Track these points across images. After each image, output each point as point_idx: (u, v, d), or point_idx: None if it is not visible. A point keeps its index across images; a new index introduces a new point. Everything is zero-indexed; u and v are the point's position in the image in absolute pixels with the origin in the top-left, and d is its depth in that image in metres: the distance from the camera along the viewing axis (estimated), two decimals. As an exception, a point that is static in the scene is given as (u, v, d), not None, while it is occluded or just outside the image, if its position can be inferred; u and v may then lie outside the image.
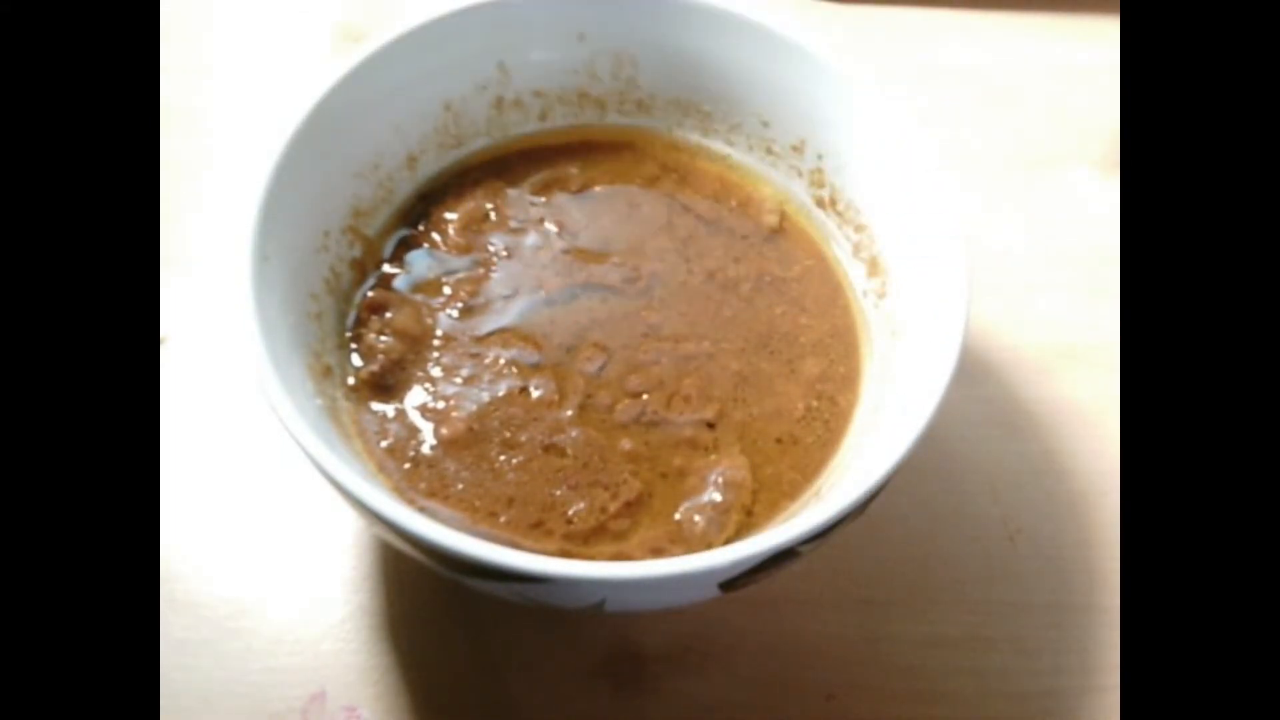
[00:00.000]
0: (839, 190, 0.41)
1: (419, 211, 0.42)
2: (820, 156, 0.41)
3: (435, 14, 0.39)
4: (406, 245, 0.41)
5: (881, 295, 0.39)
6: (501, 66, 0.42)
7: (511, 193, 0.43)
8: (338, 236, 0.39)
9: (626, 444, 0.36)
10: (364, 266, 0.40)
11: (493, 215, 0.42)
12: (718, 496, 0.35)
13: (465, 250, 0.41)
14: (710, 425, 0.37)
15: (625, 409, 0.37)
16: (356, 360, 0.37)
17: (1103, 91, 0.54)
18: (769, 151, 0.43)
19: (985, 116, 0.54)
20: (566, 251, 0.41)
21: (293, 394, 0.31)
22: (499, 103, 0.43)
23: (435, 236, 0.41)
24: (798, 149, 0.42)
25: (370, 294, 0.39)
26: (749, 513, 0.35)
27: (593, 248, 0.41)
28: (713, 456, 0.36)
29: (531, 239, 0.41)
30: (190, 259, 0.45)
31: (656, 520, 0.35)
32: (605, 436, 0.36)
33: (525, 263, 0.41)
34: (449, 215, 0.41)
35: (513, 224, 0.42)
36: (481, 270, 0.40)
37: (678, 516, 0.35)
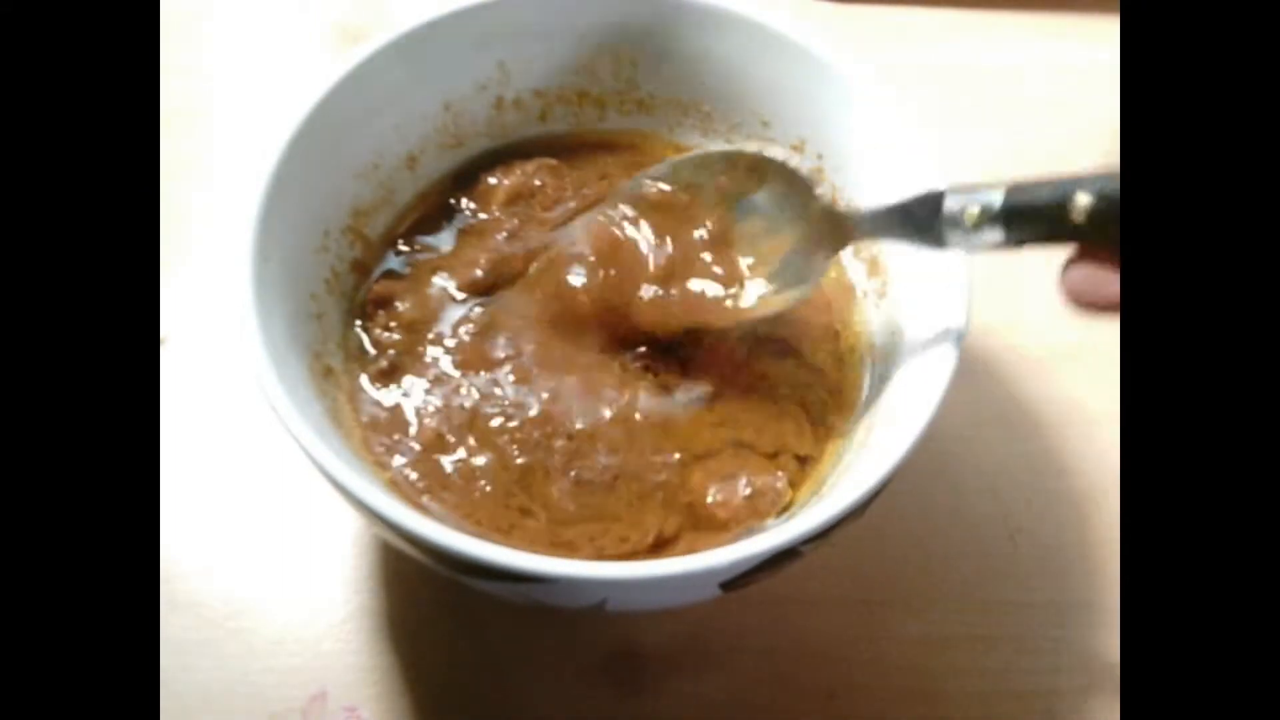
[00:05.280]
0: (839, 190, 0.41)
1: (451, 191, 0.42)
2: (820, 156, 0.41)
3: (435, 14, 0.39)
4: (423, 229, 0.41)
5: (881, 295, 0.39)
6: (501, 66, 0.42)
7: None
8: (338, 237, 0.39)
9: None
10: (364, 266, 0.40)
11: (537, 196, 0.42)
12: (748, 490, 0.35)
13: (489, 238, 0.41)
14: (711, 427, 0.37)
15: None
16: (367, 346, 0.37)
17: (1103, 91, 0.54)
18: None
19: (985, 116, 0.54)
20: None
21: (293, 394, 0.31)
22: (499, 103, 0.43)
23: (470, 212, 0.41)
24: (798, 149, 0.42)
25: (377, 286, 0.39)
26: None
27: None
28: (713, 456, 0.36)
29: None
30: (190, 259, 0.45)
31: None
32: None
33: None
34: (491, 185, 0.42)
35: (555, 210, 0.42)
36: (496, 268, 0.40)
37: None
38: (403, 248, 0.40)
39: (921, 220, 0.31)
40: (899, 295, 0.38)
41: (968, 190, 0.29)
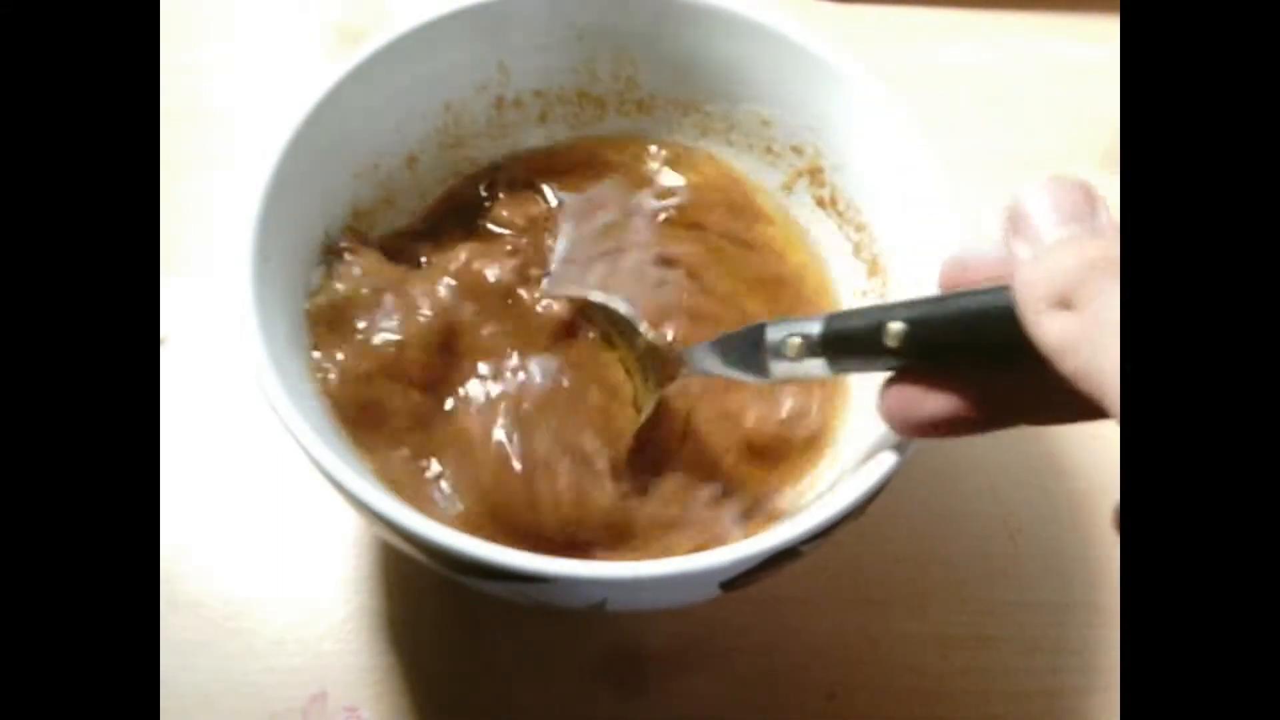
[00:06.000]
0: (839, 190, 0.41)
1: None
2: (820, 156, 0.41)
3: (435, 14, 0.39)
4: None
5: (882, 295, 0.39)
6: (501, 66, 0.42)
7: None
8: (338, 236, 0.39)
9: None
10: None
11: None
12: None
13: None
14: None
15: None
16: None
17: (1103, 90, 0.54)
18: (769, 151, 0.43)
19: (985, 116, 0.54)
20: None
21: (293, 394, 0.31)
22: (499, 103, 0.43)
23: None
24: (798, 149, 0.42)
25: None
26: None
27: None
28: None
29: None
30: (190, 259, 0.45)
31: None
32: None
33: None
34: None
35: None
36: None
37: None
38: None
39: (745, 353, 0.31)
40: (899, 295, 0.38)
41: (787, 323, 0.30)
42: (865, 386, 0.38)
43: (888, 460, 0.30)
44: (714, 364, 0.33)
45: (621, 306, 0.36)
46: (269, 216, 0.34)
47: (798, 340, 0.29)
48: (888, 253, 0.39)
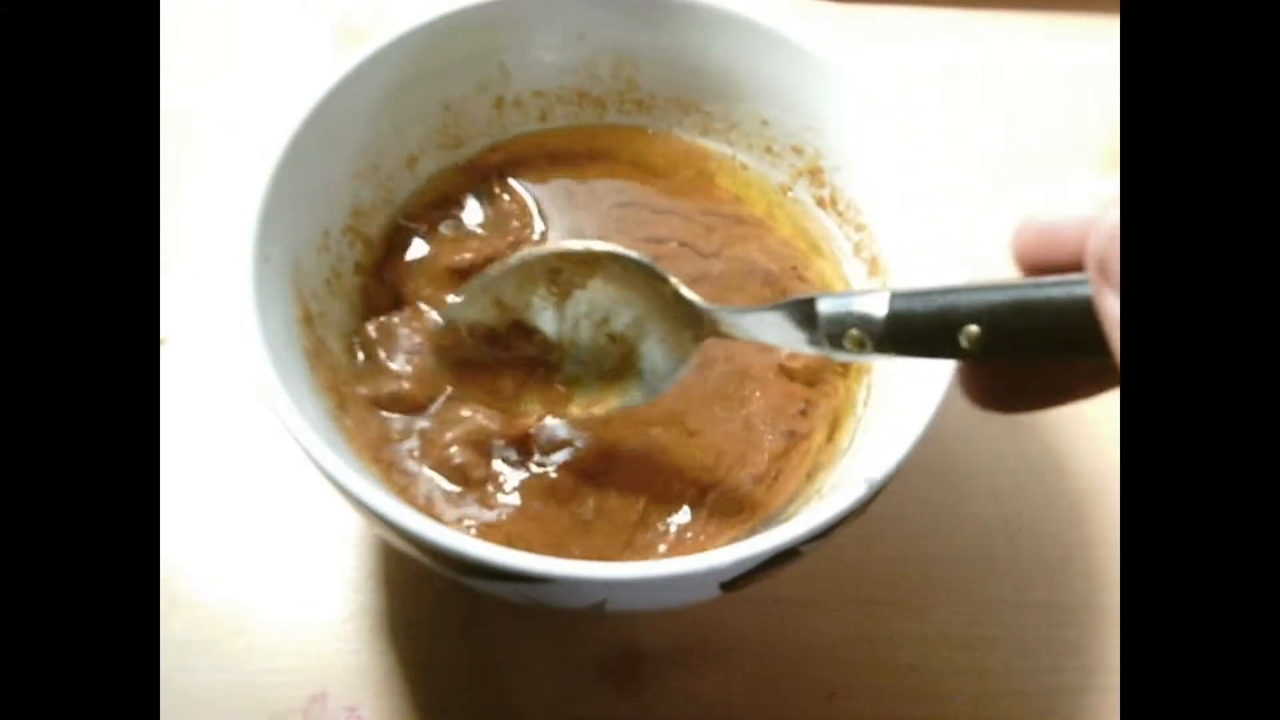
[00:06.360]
0: (839, 190, 0.41)
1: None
2: (820, 156, 0.41)
3: (436, 14, 0.39)
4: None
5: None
6: (501, 66, 0.42)
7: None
8: (338, 236, 0.39)
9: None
10: (364, 267, 0.40)
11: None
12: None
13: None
14: None
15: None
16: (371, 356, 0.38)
17: (1103, 91, 0.54)
18: (769, 151, 0.43)
19: (985, 116, 0.54)
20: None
21: (293, 394, 0.31)
22: (499, 103, 0.43)
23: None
24: (798, 149, 0.42)
25: (380, 320, 0.38)
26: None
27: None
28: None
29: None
30: (190, 259, 0.45)
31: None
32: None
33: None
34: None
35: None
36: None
37: None
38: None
39: (792, 325, 0.30)
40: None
41: (841, 297, 0.28)
42: (869, 388, 0.38)
43: (888, 460, 0.30)
44: (758, 331, 0.31)
45: (635, 254, 0.34)
46: (269, 216, 0.34)
47: (857, 333, 0.28)
48: (888, 253, 0.39)
